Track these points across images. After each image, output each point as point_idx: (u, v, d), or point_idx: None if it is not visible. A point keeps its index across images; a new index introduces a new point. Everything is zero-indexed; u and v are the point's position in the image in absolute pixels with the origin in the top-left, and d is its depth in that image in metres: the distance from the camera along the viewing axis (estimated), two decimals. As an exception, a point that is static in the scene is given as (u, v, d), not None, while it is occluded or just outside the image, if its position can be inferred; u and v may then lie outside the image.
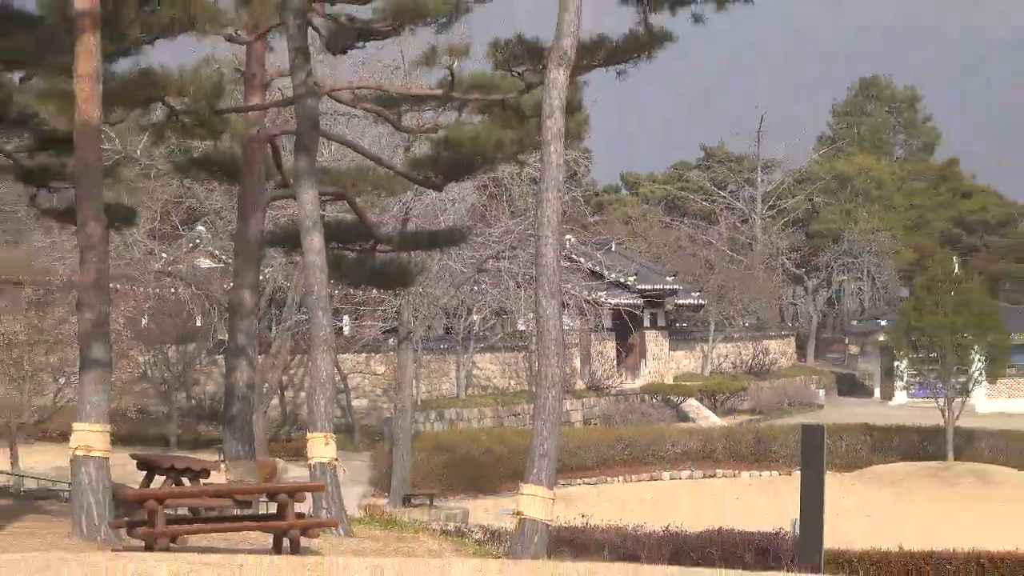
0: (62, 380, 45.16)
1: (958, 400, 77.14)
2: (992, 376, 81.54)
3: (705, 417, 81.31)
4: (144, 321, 54.42)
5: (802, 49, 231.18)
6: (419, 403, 60.85)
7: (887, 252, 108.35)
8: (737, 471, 71.53)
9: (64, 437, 33.80)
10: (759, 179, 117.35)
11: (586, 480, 54.98)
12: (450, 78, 37.20)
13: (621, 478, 64.81)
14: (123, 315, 44.02)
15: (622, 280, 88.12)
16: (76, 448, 28.93)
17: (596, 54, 32.80)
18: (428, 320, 66.83)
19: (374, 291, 47.72)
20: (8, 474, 40.27)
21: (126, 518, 27.79)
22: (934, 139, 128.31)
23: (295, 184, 34.48)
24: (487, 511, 37.30)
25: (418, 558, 28.77)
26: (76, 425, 29.23)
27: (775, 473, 56.55)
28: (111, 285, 33.52)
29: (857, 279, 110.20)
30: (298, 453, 34.18)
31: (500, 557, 32.38)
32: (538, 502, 30.31)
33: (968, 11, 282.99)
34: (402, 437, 50.22)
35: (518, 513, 31.62)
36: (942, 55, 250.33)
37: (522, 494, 31.42)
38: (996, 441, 75.79)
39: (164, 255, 61.43)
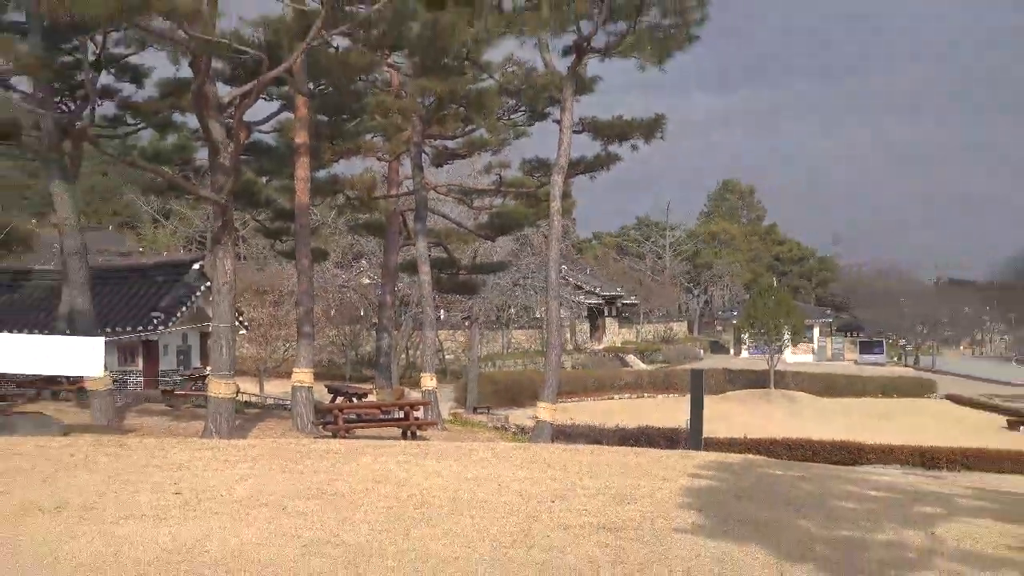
0: (288, 344, 45.58)
1: (776, 356, 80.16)
2: (794, 343, 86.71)
3: (638, 364, 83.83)
4: (332, 312, 56.10)
5: (690, 162, 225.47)
6: (481, 357, 61.69)
7: (737, 275, 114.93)
8: (655, 394, 70.42)
9: (289, 376, 35.00)
10: (667, 234, 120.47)
11: (572, 400, 52.83)
12: (499, 180, 38.29)
13: (591, 399, 63.09)
14: (321, 308, 46.25)
15: (593, 290, 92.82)
16: (295, 381, 30.42)
17: (578, 167, 34.20)
18: (486, 311, 67.82)
19: (457, 296, 48.88)
20: (258, 396, 41.50)
21: (322, 420, 28.92)
22: (763, 213, 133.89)
23: (415, 237, 36.07)
24: (519, 416, 37.59)
25: (479, 441, 30.08)
26: (295, 369, 30.99)
27: (676, 395, 57.24)
28: (314, 292, 35.50)
29: (720, 289, 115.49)
30: (415, 385, 35.13)
31: (524, 441, 31.98)
32: (546, 411, 31.70)
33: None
34: (472, 375, 50.55)
35: (535, 417, 32.15)
36: (773, 164, 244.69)
37: (538, 406, 32.21)
38: (796, 379, 78.73)
39: (343, 276, 60.72)
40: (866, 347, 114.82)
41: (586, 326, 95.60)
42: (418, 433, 29.51)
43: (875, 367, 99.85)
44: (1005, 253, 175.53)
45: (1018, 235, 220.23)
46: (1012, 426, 61.47)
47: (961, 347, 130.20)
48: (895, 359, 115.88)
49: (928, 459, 40.21)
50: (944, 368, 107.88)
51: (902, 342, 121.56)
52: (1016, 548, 11.59)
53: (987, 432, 56.70)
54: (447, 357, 54.69)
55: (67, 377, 29.91)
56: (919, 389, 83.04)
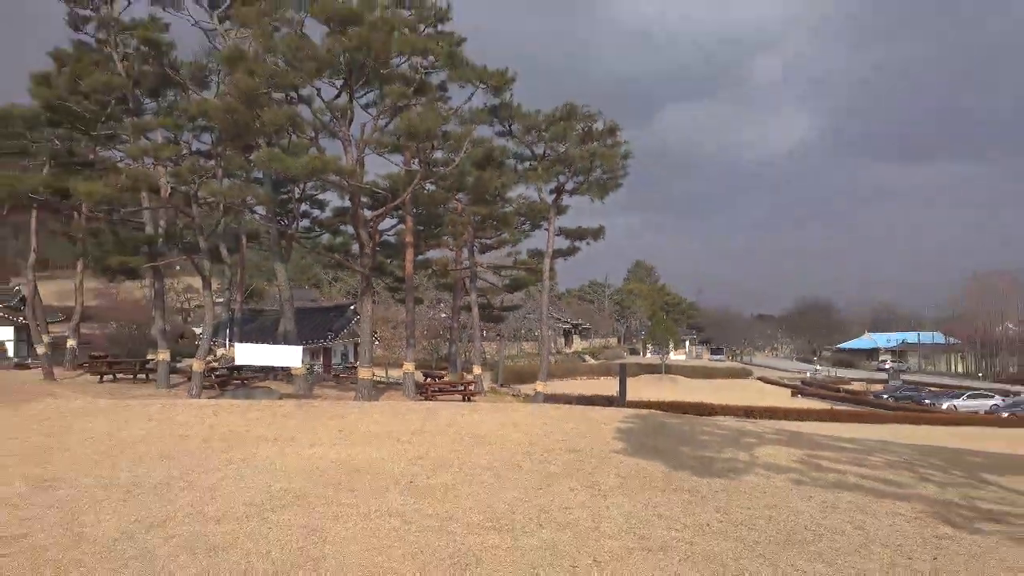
0: (400, 349, 44.67)
1: (664, 356, 79.95)
2: (675, 348, 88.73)
3: (591, 361, 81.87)
4: (425, 332, 54.23)
5: (617, 249, 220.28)
6: (506, 356, 60.49)
7: (643, 312, 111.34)
8: (599, 377, 67.38)
9: (401, 366, 34.30)
10: (606, 289, 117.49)
11: (554, 380, 51.07)
12: (515, 260, 38.47)
13: (565, 379, 61.64)
14: (418, 330, 44.52)
15: (566, 320, 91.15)
16: (405, 370, 29.97)
17: (558, 253, 34.21)
18: (509, 331, 66.89)
19: (492, 322, 47.68)
20: (384, 377, 40.30)
21: (420, 390, 28.67)
22: (658, 277, 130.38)
23: (470, 292, 36.04)
24: (527, 389, 36.73)
25: (504, 403, 29.69)
26: (404, 362, 30.65)
27: (611, 378, 55.63)
28: (415, 321, 34.76)
29: (635, 320, 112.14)
30: (470, 372, 34.88)
31: (528, 403, 31.28)
32: (540, 386, 31.27)
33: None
34: (500, 366, 50.31)
35: (535, 389, 31.87)
36: (665, 248, 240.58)
37: (536, 383, 31.98)
38: (675, 368, 78.69)
39: (431, 312, 56.82)
40: (714, 351, 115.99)
41: (562, 339, 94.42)
42: (471, 398, 29.55)
43: (719, 363, 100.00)
44: (794, 295, 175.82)
45: (801, 282, 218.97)
46: (793, 394, 62.11)
47: (765, 352, 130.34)
48: (730, 358, 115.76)
49: (749, 412, 39.94)
50: (756, 363, 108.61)
51: (734, 348, 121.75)
52: (795, 460, 11.80)
53: (780, 398, 56.32)
54: (487, 356, 54.03)
55: (282, 367, 30.05)
56: (742, 374, 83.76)
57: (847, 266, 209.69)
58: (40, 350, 29.74)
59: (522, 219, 34.50)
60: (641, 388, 46.29)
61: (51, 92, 27.46)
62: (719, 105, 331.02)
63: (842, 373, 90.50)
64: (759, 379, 78.36)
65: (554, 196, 32.28)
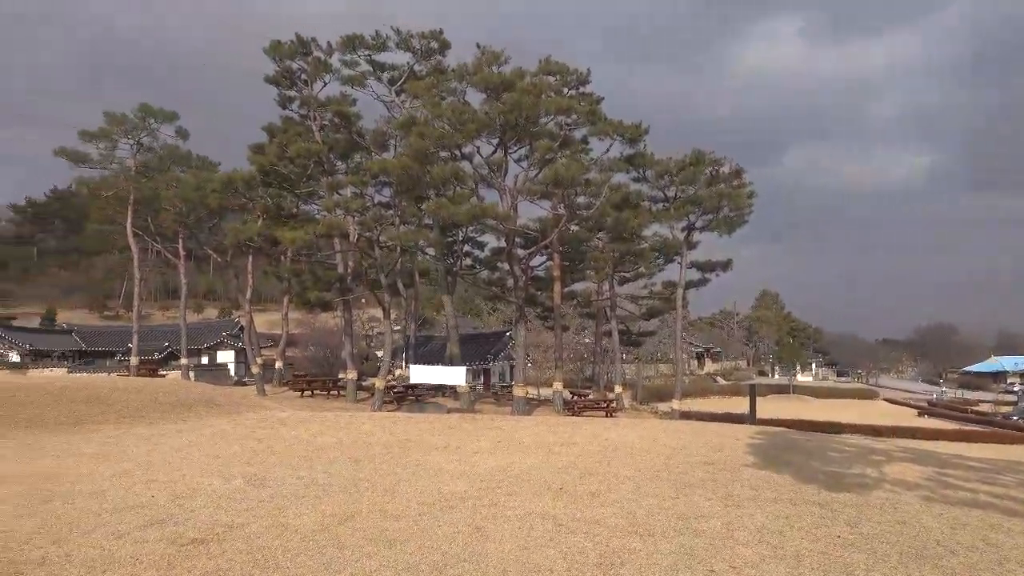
0: (550, 369, 43.63)
1: (792, 377, 75.52)
2: (802, 370, 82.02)
3: (722, 381, 77.97)
4: (571, 354, 52.79)
5: (745, 278, 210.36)
6: (644, 376, 58.22)
7: (771, 337, 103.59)
8: (730, 396, 61.30)
9: (551, 384, 33.90)
10: (734, 316, 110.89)
11: (689, 399, 47.64)
12: (650, 291, 37.93)
13: (698, 398, 57.23)
14: (566, 354, 42.85)
15: (697, 344, 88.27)
16: (554, 388, 29.86)
17: (690, 284, 33.41)
18: (646, 355, 64.57)
19: (631, 347, 46.31)
20: (536, 395, 39.27)
21: (567, 406, 28.48)
22: (783, 305, 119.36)
23: (610, 320, 35.81)
24: (663, 407, 34.16)
25: (642, 418, 28.85)
26: (554, 381, 30.59)
27: (741, 397, 52.52)
28: (563, 345, 34.39)
29: (763, 344, 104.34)
30: (611, 390, 33.98)
31: (665, 419, 30.16)
32: (676, 404, 30.49)
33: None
34: (639, 385, 49.09)
35: (671, 407, 30.83)
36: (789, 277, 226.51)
37: (672, 402, 30.86)
38: (802, 389, 72.68)
39: (576, 338, 54.89)
40: (840, 373, 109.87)
41: (695, 362, 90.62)
42: (613, 414, 29.07)
43: (845, 384, 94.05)
44: (917, 320, 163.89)
45: (924, 308, 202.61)
46: (920, 414, 57.72)
47: (890, 374, 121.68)
48: (856, 380, 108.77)
49: (875, 431, 37.35)
50: (881, 384, 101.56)
51: (859, 371, 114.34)
52: (924, 478, 10.90)
53: (906, 417, 52.28)
54: (627, 376, 52.09)
55: (449, 385, 30.58)
56: (868, 395, 78.08)
57: (969, 292, 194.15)
58: (254, 370, 31.53)
59: (657, 254, 33.94)
60: (770, 407, 44.00)
61: (264, 159, 29.42)
62: (840, 141, 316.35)
63: (969, 395, 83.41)
64: (885, 400, 73.16)
65: (685, 233, 31.68)
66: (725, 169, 30.56)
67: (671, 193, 31.50)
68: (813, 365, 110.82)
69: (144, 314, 52.98)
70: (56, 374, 43.32)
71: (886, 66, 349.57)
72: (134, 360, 38.73)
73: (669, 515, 7.79)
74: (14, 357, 54.01)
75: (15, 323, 64.61)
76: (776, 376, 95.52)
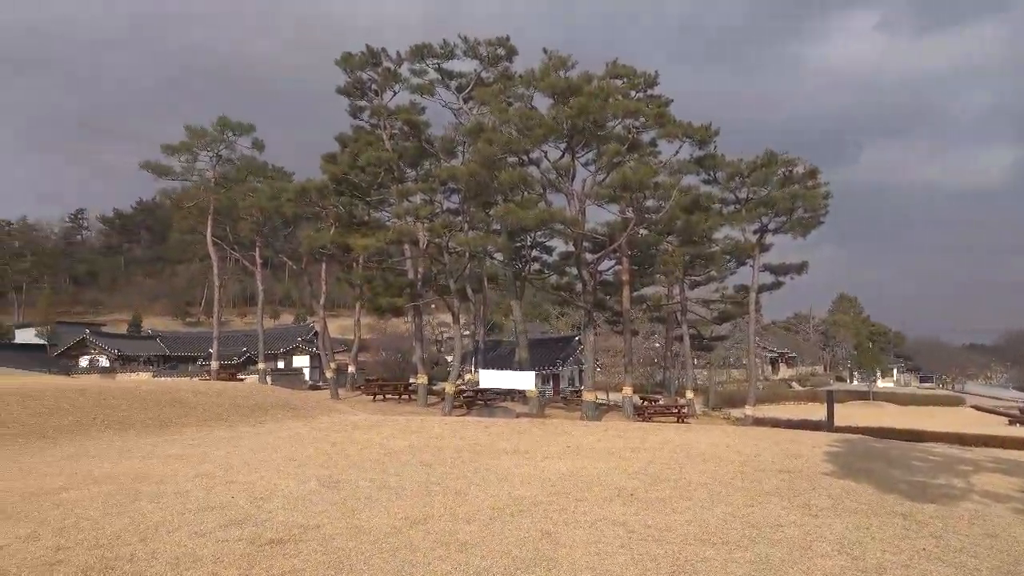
0: (620, 374, 42.49)
1: (872, 383, 72.78)
2: (882, 376, 78.65)
3: (797, 387, 75.00)
4: (640, 359, 51.33)
5: (821, 280, 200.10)
6: (715, 382, 56.14)
7: (849, 341, 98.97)
8: (807, 403, 59.87)
9: (620, 390, 33.27)
10: (811, 321, 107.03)
11: (762, 404, 45.23)
12: (722, 295, 37.12)
13: (774, 404, 53.80)
14: (635, 359, 41.75)
15: (771, 348, 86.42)
16: (624, 393, 29.61)
17: (763, 288, 32.59)
18: (718, 359, 62.91)
19: (702, 351, 45.55)
20: (606, 400, 38.53)
21: (638, 412, 28.25)
22: (861, 308, 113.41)
23: (681, 324, 35.12)
24: (736, 412, 32.71)
25: (714, 425, 28.37)
26: (623, 386, 30.26)
27: (818, 404, 50.19)
28: (632, 350, 33.96)
29: (840, 348, 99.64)
30: (682, 395, 33.27)
31: (739, 425, 29.54)
32: (750, 410, 29.97)
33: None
34: (711, 391, 47.89)
35: (744, 413, 30.27)
36: (868, 279, 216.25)
37: (745, 407, 30.41)
38: (883, 395, 69.28)
39: (645, 343, 53.68)
40: (923, 379, 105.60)
41: (769, 367, 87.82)
42: (684, 420, 28.63)
43: (928, 390, 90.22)
44: (1006, 326, 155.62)
45: (1012, 312, 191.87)
46: (1011, 423, 54.96)
47: (978, 380, 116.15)
48: (940, 386, 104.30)
49: (961, 440, 35.61)
50: (968, 391, 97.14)
51: (944, 377, 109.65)
52: (1015, 489, 10.36)
53: (994, 425, 49.86)
54: (698, 382, 50.40)
55: (518, 390, 30.59)
56: (953, 402, 74.74)
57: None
58: (328, 374, 32.26)
59: (728, 257, 33.30)
60: (848, 414, 42.34)
61: (336, 168, 30.14)
62: (920, 140, 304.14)
63: (1066, 403, 79.10)
64: (972, 407, 69.83)
65: (758, 236, 31.00)
66: (799, 169, 29.80)
67: (743, 195, 30.88)
68: (894, 371, 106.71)
69: (224, 320, 54.70)
70: (142, 378, 45.15)
71: (969, 59, 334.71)
72: (214, 365, 40.14)
73: (744, 523, 7.61)
74: (104, 362, 56.63)
75: (104, 329, 67.55)
76: (855, 382, 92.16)
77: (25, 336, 71.20)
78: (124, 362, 55.94)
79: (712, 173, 31.19)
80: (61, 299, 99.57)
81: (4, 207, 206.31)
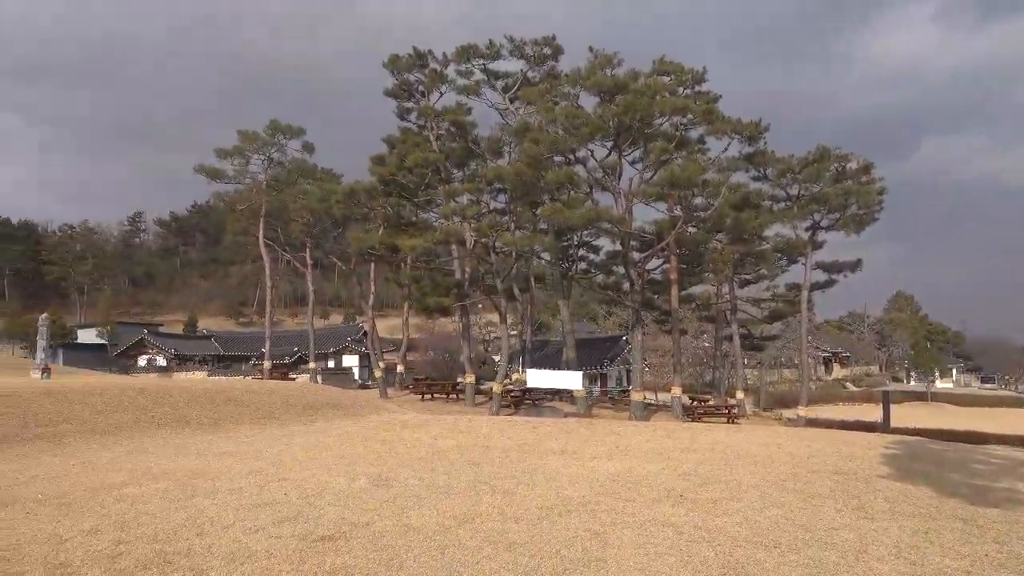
0: (669, 374, 42.08)
1: (930, 383, 70.43)
2: (941, 376, 75.93)
3: (851, 387, 73.11)
4: (689, 359, 50.03)
5: (876, 277, 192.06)
6: (767, 382, 54.89)
7: (906, 341, 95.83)
8: (861, 403, 58.18)
9: (669, 390, 33.08)
10: (866, 320, 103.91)
11: (815, 405, 42.49)
12: (773, 294, 36.41)
13: (827, 405, 52.58)
14: (684, 359, 40.44)
15: (824, 348, 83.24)
16: (672, 393, 29.54)
17: (815, 286, 32.11)
18: (769, 359, 61.25)
19: (752, 351, 44.60)
20: (654, 400, 38.19)
21: (687, 412, 27.98)
22: (918, 307, 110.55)
23: (730, 323, 34.79)
24: (788, 413, 31.80)
25: (766, 425, 27.98)
26: (672, 386, 30.20)
27: (873, 404, 48.98)
28: (680, 349, 33.54)
29: (896, 348, 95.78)
30: (732, 396, 32.67)
31: (790, 426, 29.07)
32: (802, 410, 29.44)
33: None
34: (762, 391, 46.81)
35: (796, 413, 29.81)
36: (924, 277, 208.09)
37: (798, 408, 29.81)
38: (942, 396, 66.98)
39: (694, 342, 51.58)
40: (985, 379, 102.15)
41: (822, 367, 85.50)
42: (735, 420, 28.28)
43: (990, 391, 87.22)
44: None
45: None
46: (1079, 424, 53.20)
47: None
48: (1002, 387, 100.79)
49: (1025, 442, 34.60)
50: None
51: (1007, 377, 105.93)
52: (1085, 495, 9.93)
53: (1062, 428, 48.09)
54: (749, 382, 48.93)
55: (565, 389, 30.48)
56: (1016, 403, 72.27)
57: None
58: (377, 374, 32.62)
59: (779, 255, 32.75)
60: (905, 415, 41.12)
61: (384, 169, 30.47)
62: (980, 134, 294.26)
63: None
64: (1039, 408, 67.46)
65: (810, 233, 30.50)
66: (852, 165, 29.23)
67: (794, 192, 30.39)
68: (954, 371, 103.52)
69: (275, 320, 55.75)
70: (197, 377, 46.21)
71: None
72: (267, 364, 40.90)
73: (796, 526, 7.47)
74: (161, 361, 58.19)
75: (162, 329, 69.40)
76: (912, 382, 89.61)
77: (87, 336, 73.80)
78: (180, 361, 57.39)
79: (762, 170, 30.77)
80: (120, 300, 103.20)
81: (67, 211, 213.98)
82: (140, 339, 60.80)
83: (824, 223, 29.96)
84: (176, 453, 12.18)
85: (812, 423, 30.23)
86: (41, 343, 24.69)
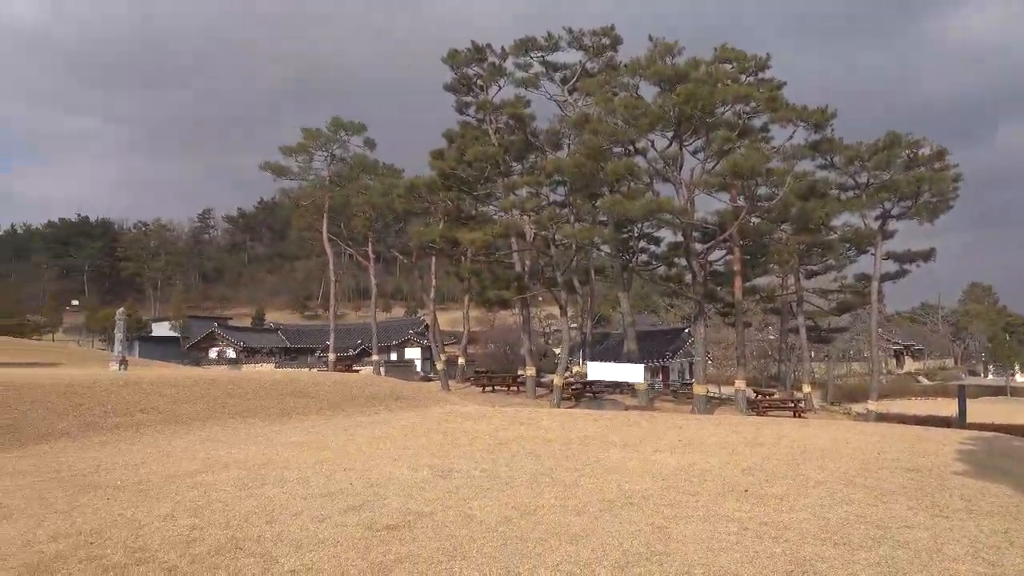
0: (731, 367, 41.76)
1: (1010, 377, 67.21)
2: (1020, 369, 72.37)
3: (924, 381, 70.54)
4: (754, 352, 49.30)
5: (951, 267, 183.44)
6: (835, 376, 53.33)
7: (983, 333, 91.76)
8: (935, 398, 54.91)
9: (732, 383, 32.59)
10: (940, 311, 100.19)
11: (885, 399, 42.02)
12: (841, 285, 35.49)
13: (899, 400, 50.71)
14: (748, 351, 39.50)
15: (896, 340, 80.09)
16: (736, 387, 29.03)
17: (885, 277, 31.02)
18: (837, 352, 59.62)
19: (819, 344, 43.50)
20: (717, 393, 37.72)
21: (751, 406, 27.57)
22: (996, 298, 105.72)
23: (797, 315, 33.96)
24: (856, 408, 31.04)
25: (834, 420, 27.19)
26: (736, 379, 29.65)
27: (948, 399, 46.85)
28: (744, 342, 33.01)
29: (972, 341, 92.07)
30: (797, 390, 31.95)
31: (859, 421, 28.20)
32: (872, 405, 28.68)
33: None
34: (829, 385, 45.29)
35: (866, 408, 29.13)
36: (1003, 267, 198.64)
37: (868, 403, 29.22)
38: (1023, 391, 63.65)
39: (759, 335, 50.82)
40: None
41: (893, 360, 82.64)
42: (801, 415, 27.70)
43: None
44: None
45: None
46: None
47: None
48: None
49: (1112, 438, 32.90)
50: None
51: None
52: None
53: None
54: (816, 375, 47.32)
55: (626, 382, 30.33)
56: (1101, 398, 69.25)
57: None
58: (438, 366, 32.95)
59: (847, 245, 31.82)
60: (982, 410, 39.47)
61: (444, 164, 30.74)
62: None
63: None
64: (1118, 401, 64.07)
65: (880, 222, 29.60)
66: (925, 151, 28.20)
67: (863, 180, 29.52)
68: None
69: (339, 313, 56.73)
70: (265, 369, 47.42)
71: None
72: (331, 356, 41.71)
73: (867, 523, 7.27)
74: (231, 353, 59.87)
75: (231, 323, 71.49)
76: (990, 376, 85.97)
77: (161, 329, 76.73)
78: (249, 354, 58.86)
79: (829, 158, 29.98)
80: (191, 295, 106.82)
81: (141, 210, 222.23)
82: (211, 332, 62.69)
83: (895, 211, 29.05)
84: (246, 442, 12.55)
85: (883, 418, 29.42)
86: (118, 336, 25.62)
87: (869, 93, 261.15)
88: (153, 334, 74.54)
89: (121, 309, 28.54)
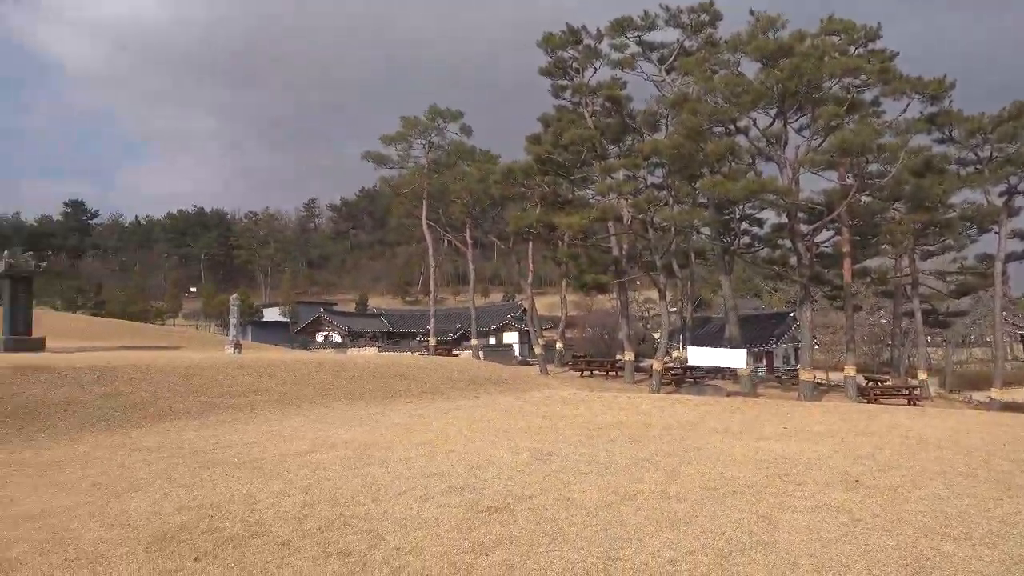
0: (839, 353, 39.77)
1: None
2: None
3: None
4: (865, 337, 46.93)
5: None
6: (954, 362, 49.84)
7: None
8: None
9: (841, 369, 31.40)
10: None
11: (1012, 387, 39.78)
12: (961, 266, 33.48)
13: None
14: (858, 337, 37.75)
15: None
16: (846, 373, 28.07)
17: (1011, 257, 29.01)
18: (956, 336, 55.89)
19: (936, 328, 41.24)
20: (825, 380, 36.04)
21: (861, 393, 26.65)
22: None
23: (911, 298, 32.31)
24: (978, 395, 29.01)
25: (953, 408, 25.86)
26: (846, 366, 28.83)
27: None
28: (853, 326, 31.54)
29: None
30: (913, 376, 30.20)
31: (982, 411, 26.58)
32: (996, 393, 26.94)
33: None
34: (948, 371, 42.63)
35: (988, 396, 27.46)
36: None
37: (991, 390, 27.44)
38: None
39: (870, 319, 47.99)
40: None
41: (1020, 345, 77.13)
42: (916, 403, 26.36)
43: None
44: None
45: None
46: None
47: None
48: None
49: None
50: None
51: None
52: None
53: None
54: (933, 361, 44.71)
55: (728, 368, 29.74)
56: None
57: None
58: (536, 350, 33.18)
59: (968, 224, 29.99)
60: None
61: (540, 148, 30.76)
62: None
63: None
64: None
65: (1005, 198, 27.85)
66: (1057, 121, 26.26)
67: (985, 154, 27.77)
68: None
69: (439, 299, 58.02)
70: (369, 353, 48.89)
71: None
72: (432, 340, 42.62)
73: (991, 518, 6.86)
74: (336, 338, 62.13)
75: (336, 308, 74.15)
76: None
77: (271, 315, 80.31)
78: (353, 338, 60.93)
79: (947, 131, 28.36)
80: (299, 281, 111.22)
81: (251, 200, 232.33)
82: (317, 317, 65.24)
83: (1021, 187, 27.24)
84: (352, 423, 12.98)
85: (1008, 407, 27.69)
86: (233, 321, 26.99)
87: (994, 59, 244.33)
88: (264, 319, 78.05)
89: (234, 295, 30.05)
